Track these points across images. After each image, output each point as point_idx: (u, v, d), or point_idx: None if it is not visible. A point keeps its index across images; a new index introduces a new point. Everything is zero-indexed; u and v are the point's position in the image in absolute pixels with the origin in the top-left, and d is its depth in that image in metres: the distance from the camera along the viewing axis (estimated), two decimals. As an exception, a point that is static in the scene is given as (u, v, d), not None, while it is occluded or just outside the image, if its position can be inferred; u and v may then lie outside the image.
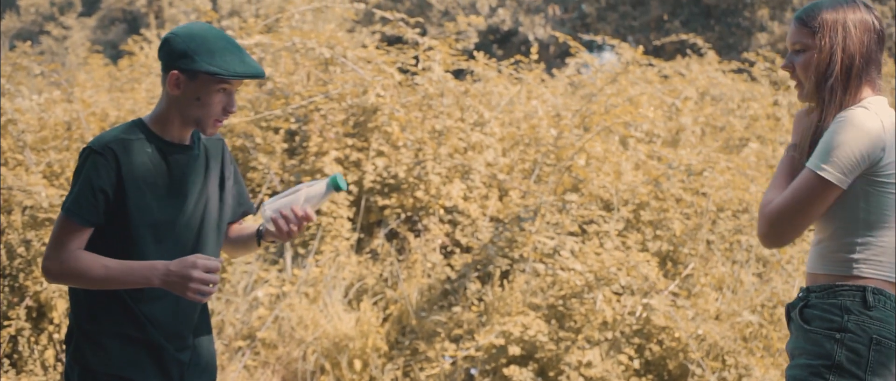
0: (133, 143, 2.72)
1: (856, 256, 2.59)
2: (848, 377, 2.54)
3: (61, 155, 6.62)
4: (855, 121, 2.54)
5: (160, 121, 2.77)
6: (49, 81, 9.11)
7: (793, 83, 2.78)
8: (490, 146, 7.21)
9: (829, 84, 2.62)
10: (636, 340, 5.72)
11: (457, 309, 6.11)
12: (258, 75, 2.73)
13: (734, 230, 6.63)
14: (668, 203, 6.65)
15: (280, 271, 6.53)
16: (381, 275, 6.62)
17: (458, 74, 9.63)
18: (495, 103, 7.84)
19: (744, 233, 6.61)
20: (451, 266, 6.59)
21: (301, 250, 6.63)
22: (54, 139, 6.90)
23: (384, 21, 7.99)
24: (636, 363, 5.64)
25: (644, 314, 5.71)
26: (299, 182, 6.84)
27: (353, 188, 6.90)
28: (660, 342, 5.74)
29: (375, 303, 6.47)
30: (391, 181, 6.88)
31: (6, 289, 5.82)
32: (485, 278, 6.37)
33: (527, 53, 8.94)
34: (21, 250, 5.81)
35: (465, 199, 6.95)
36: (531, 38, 24.64)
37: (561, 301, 5.84)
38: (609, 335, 5.65)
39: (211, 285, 2.63)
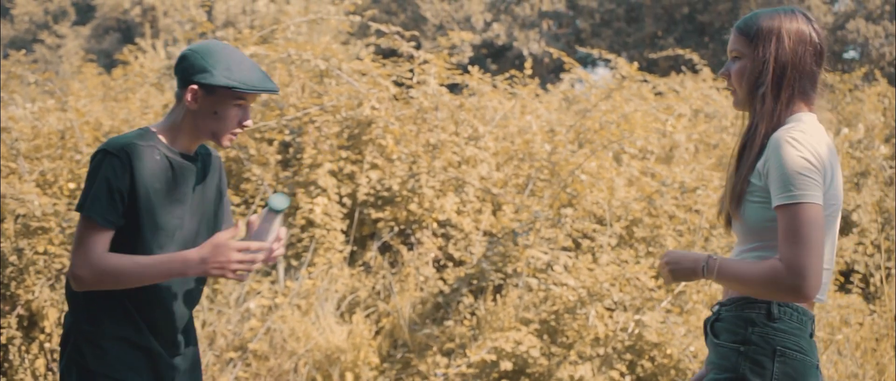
0: (144, 149, 2.77)
1: None
2: None
3: (55, 164, 6.61)
4: (788, 140, 2.51)
5: (170, 132, 2.84)
6: (43, 90, 9.11)
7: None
8: (484, 160, 7.22)
9: (760, 92, 2.60)
10: (628, 356, 5.71)
11: (449, 323, 6.10)
12: (273, 90, 2.83)
13: (727, 248, 6.65)
14: (661, 220, 6.66)
15: (273, 282, 6.52)
16: (373, 288, 6.61)
17: (453, 88, 9.65)
18: (490, 118, 7.86)
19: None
20: (444, 280, 6.59)
21: (294, 262, 6.62)
22: (48, 148, 6.89)
23: (379, 34, 8.00)
24: (628, 380, 5.64)
25: (636, 330, 5.71)
26: (293, 194, 6.84)
27: (348, 201, 6.90)
28: (652, 359, 5.74)
29: (368, 316, 6.46)
30: (385, 194, 6.88)
31: (-3, 297, 5.80)
32: (477, 293, 6.36)
33: (521, 68, 8.96)
34: (13, 258, 5.79)
35: (459, 213, 6.96)
36: (526, 52, 24.70)
37: (553, 316, 5.84)
38: (601, 350, 5.65)
39: (251, 263, 2.70)
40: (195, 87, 2.78)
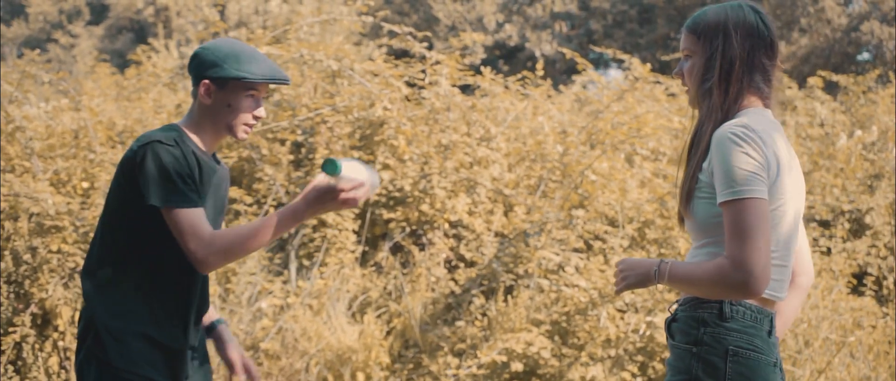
0: (180, 140, 2.82)
1: None
2: None
3: (68, 163, 6.64)
4: (729, 136, 2.47)
5: (194, 129, 2.90)
6: (57, 90, 9.14)
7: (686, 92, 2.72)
8: (496, 161, 7.22)
9: (707, 87, 2.58)
10: (639, 357, 5.71)
11: (460, 324, 6.11)
12: (284, 80, 2.88)
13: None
14: (673, 221, 6.64)
15: (284, 282, 6.53)
16: (385, 288, 6.62)
17: (465, 89, 9.65)
18: (501, 119, 7.86)
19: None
20: (455, 281, 6.60)
21: (306, 262, 6.64)
22: (61, 147, 6.92)
23: (392, 34, 8.01)
24: (639, 381, 5.64)
25: (648, 332, 5.70)
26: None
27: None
28: (663, 360, 5.73)
29: (379, 316, 6.47)
30: (397, 195, 6.89)
31: (11, 296, 5.83)
32: (489, 294, 6.37)
33: (533, 69, 8.96)
34: (27, 256, 5.82)
35: (470, 213, 6.96)
36: (537, 53, 24.68)
37: (564, 318, 5.84)
38: (612, 352, 5.64)
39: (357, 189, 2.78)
40: (207, 81, 2.85)
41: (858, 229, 7.83)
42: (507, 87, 8.42)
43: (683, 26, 2.68)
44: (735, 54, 2.58)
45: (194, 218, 2.73)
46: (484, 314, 6.22)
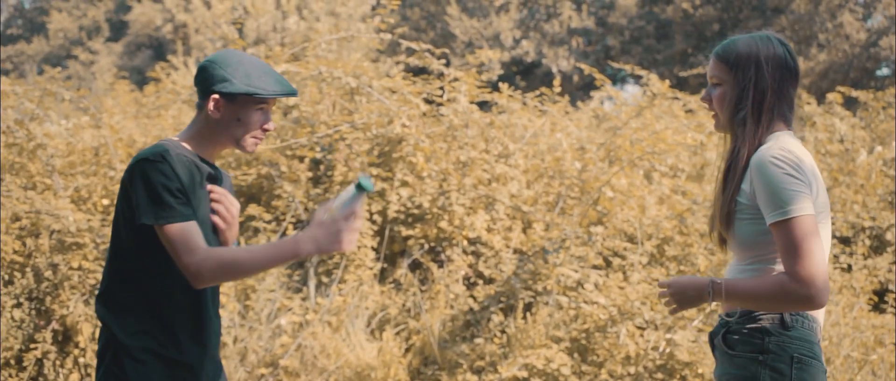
0: (174, 153, 2.81)
1: None
2: None
3: (89, 180, 6.68)
4: (770, 160, 2.63)
5: (194, 140, 2.91)
6: (77, 107, 9.21)
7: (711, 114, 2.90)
8: (514, 178, 7.22)
9: (741, 116, 2.74)
10: (659, 375, 5.69)
11: (479, 341, 6.10)
12: (292, 93, 2.89)
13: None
14: (692, 238, 6.63)
15: (303, 299, 6.54)
16: (403, 305, 6.62)
17: (483, 106, 9.66)
18: (520, 135, 7.86)
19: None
20: (474, 297, 6.59)
21: (325, 279, 6.64)
22: (82, 164, 6.96)
23: (409, 51, 8.03)
24: (659, 399, 5.61)
25: (668, 350, 5.68)
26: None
27: (378, 218, 6.92)
28: (683, 378, 5.71)
29: (398, 333, 6.47)
30: (415, 211, 6.89)
31: (33, 312, 5.86)
32: (508, 311, 6.36)
33: (550, 85, 8.96)
34: (48, 273, 5.85)
35: (489, 230, 6.96)
36: (555, 70, 24.69)
37: (584, 335, 5.82)
38: (632, 369, 5.62)
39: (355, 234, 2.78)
40: (217, 96, 2.85)
41: (879, 245, 7.78)
42: (524, 103, 8.43)
43: (713, 53, 2.83)
44: (766, 86, 2.74)
45: (186, 232, 2.72)
46: (503, 332, 6.20)
